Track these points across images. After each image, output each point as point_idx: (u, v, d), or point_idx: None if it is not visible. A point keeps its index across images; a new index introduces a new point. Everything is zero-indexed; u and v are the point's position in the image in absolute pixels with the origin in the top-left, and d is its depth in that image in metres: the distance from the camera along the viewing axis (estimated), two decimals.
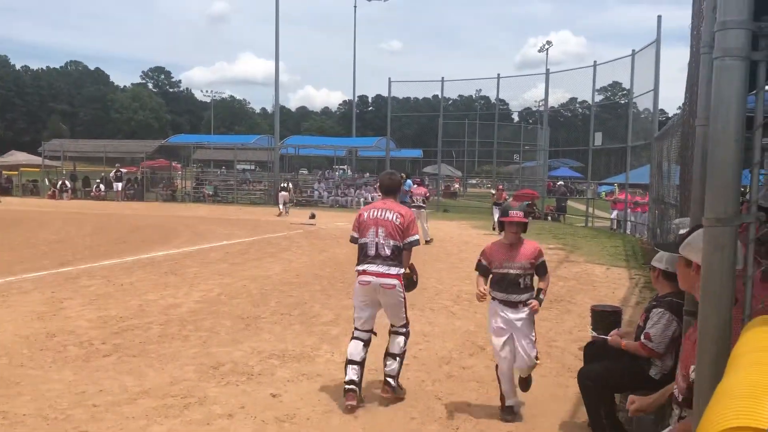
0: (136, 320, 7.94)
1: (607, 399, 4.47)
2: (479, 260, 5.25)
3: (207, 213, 27.01)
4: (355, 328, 5.49)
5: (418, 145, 45.19)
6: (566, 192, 32.53)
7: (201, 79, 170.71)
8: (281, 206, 27.04)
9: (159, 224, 21.30)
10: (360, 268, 5.38)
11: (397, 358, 5.44)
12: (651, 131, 20.40)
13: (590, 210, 26.37)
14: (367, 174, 42.00)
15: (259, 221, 23.21)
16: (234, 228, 20.38)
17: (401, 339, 5.49)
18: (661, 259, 4.25)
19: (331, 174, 42.65)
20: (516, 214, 5.06)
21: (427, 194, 19.68)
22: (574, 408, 5.26)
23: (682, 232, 2.49)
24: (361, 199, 33.55)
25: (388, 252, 5.31)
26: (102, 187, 36.99)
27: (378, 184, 6.49)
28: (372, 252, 5.35)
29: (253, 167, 54.56)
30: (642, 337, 4.25)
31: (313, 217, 24.04)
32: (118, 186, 35.67)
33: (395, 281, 5.30)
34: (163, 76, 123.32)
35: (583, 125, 34.88)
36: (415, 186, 18.62)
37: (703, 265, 1.58)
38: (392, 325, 5.54)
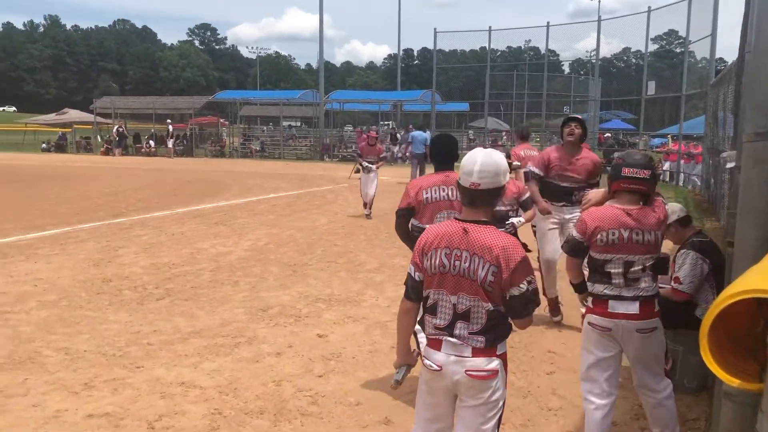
0: (187, 267, 8.21)
1: None
2: None
3: (255, 168, 27.37)
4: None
5: (465, 98, 44.59)
6: (614, 144, 31.75)
7: (248, 35, 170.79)
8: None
9: (208, 179, 21.71)
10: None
11: None
12: (707, 79, 19.63)
13: None
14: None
15: (306, 175, 23.43)
16: (281, 182, 20.64)
17: None
18: (673, 212, 4.18)
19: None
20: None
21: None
22: None
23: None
24: (407, 153, 33.15)
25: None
26: (152, 143, 37.75)
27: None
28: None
29: (298, 124, 54.83)
30: (672, 282, 4.22)
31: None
32: (169, 142, 36.30)
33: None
34: (209, 33, 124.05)
35: (636, 75, 33.86)
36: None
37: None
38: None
